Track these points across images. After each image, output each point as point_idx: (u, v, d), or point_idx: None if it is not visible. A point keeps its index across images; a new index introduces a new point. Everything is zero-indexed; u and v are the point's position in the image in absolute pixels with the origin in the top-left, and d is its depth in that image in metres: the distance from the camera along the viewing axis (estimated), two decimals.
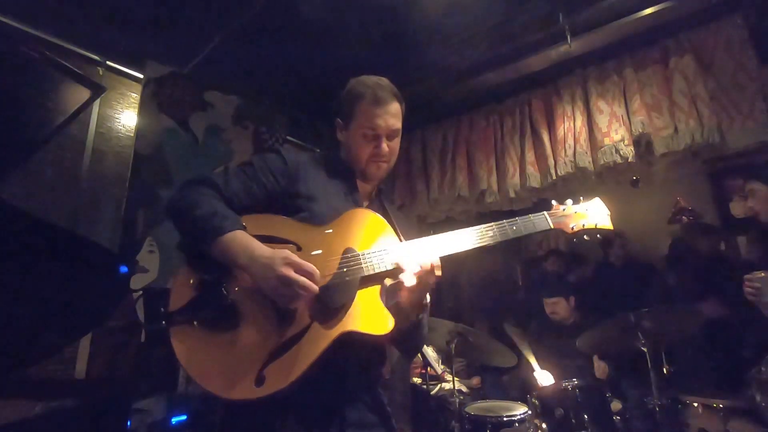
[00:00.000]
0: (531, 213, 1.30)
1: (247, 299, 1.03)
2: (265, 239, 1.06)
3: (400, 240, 1.17)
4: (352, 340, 1.03)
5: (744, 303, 1.89)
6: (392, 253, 1.11)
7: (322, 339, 1.01)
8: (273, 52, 3.10)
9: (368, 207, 1.29)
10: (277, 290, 0.98)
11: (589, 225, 1.31)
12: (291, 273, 0.97)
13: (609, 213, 1.36)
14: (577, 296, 3.16)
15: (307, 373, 0.98)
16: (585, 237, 1.33)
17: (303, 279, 0.97)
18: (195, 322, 1.01)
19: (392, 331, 1.05)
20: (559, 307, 3.08)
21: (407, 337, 1.19)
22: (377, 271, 1.09)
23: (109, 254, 1.63)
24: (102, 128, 2.82)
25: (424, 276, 1.07)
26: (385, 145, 1.25)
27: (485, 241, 1.18)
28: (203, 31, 2.87)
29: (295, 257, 1.00)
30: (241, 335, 1.00)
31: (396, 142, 1.30)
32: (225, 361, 0.98)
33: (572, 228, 1.31)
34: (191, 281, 1.05)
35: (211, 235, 1.02)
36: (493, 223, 1.20)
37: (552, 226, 1.28)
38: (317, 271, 1.01)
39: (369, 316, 1.06)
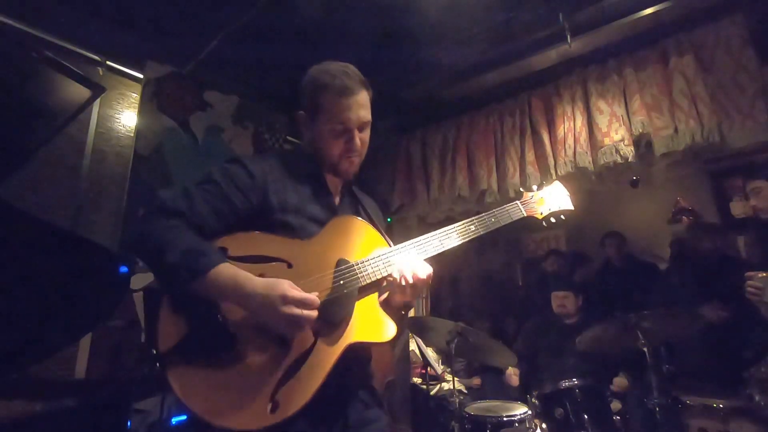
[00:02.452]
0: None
1: (246, 326, 0.98)
2: (254, 259, 1.02)
3: (388, 243, 1.17)
4: (356, 349, 1.04)
5: (744, 303, 1.89)
6: (388, 262, 1.11)
7: (329, 355, 1.01)
8: (273, 52, 3.10)
9: (340, 203, 1.26)
10: (278, 327, 0.96)
11: (554, 209, 1.42)
12: (293, 311, 0.93)
13: (569, 194, 1.46)
14: (584, 297, 3.15)
15: (320, 391, 0.97)
16: (552, 220, 1.42)
17: (306, 313, 0.94)
18: (193, 358, 0.93)
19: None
20: (568, 302, 3.06)
21: None
22: (373, 279, 1.09)
23: (109, 254, 1.62)
24: (102, 128, 2.82)
25: (419, 284, 1.08)
26: (357, 139, 1.17)
27: (469, 236, 1.22)
28: (203, 31, 2.87)
29: (293, 292, 0.94)
30: (246, 364, 0.96)
31: (367, 133, 1.21)
32: (233, 393, 0.93)
33: (541, 213, 1.41)
34: (180, 315, 0.97)
35: (189, 278, 0.93)
36: (474, 218, 1.26)
37: (525, 214, 1.37)
38: (317, 300, 0.98)
39: (371, 324, 1.07)
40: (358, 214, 1.24)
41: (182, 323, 0.96)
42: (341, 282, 1.06)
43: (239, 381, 0.94)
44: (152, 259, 0.97)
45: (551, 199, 1.42)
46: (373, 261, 1.10)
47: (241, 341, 0.97)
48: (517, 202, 1.37)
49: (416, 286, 1.08)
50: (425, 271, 1.09)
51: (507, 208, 1.33)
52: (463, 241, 1.21)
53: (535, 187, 1.44)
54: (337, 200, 1.26)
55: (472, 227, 1.23)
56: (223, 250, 1.01)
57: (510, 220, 1.32)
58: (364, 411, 1.13)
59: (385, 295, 1.15)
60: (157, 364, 0.94)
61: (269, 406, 0.93)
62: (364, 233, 1.16)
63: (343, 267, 1.08)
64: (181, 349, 0.94)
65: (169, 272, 0.95)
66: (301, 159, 1.25)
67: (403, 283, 1.08)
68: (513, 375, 3.03)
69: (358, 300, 1.08)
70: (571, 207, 1.45)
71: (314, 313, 0.96)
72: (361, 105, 1.16)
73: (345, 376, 1.09)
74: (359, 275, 1.08)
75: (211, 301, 0.97)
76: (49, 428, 1.62)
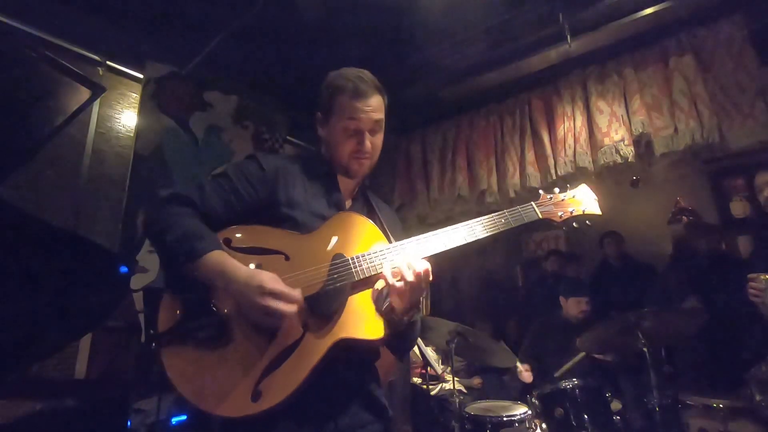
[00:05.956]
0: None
1: (237, 314, 1.00)
2: (253, 251, 1.05)
3: (389, 240, 1.15)
4: (346, 345, 1.02)
5: (744, 303, 1.89)
6: (383, 258, 1.08)
7: (316, 349, 0.99)
8: (273, 52, 3.10)
9: (352, 205, 1.26)
10: (255, 317, 0.97)
11: (577, 212, 1.28)
12: (269, 302, 0.93)
13: (596, 198, 1.33)
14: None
15: (304, 385, 0.96)
16: (574, 224, 1.30)
17: (281, 306, 0.94)
18: (186, 342, 0.98)
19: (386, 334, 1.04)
20: (588, 305, 3.02)
21: (399, 339, 1.16)
22: (368, 275, 1.07)
23: (109, 254, 1.62)
24: (102, 128, 2.82)
25: (416, 282, 1.03)
26: (367, 141, 1.18)
27: (476, 236, 1.16)
28: (203, 31, 2.87)
29: (272, 284, 0.95)
30: (234, 351, 0.98)
31: (379, 138, 1.22)
32: (219, 378, 0.96)
33: (560, 216, 1.28)
34: (178, 301, 1.02)
35: (184, 259, 0.98)
36: (483, 217, 1.18)
37: (540, 217, 1.25)
38: (299, 296, 0.98)
39: (362, 321, 1.04)
40: (370, 217, 1.22)
41: (180, 308, 1.01)
42: (335, 276, 1.05)
43: (226, 367, 0.97)
44: (156, 239, 1.05)
45: (574, 203, 1.30)
46: (369, 257, 1.08)
47: (232, 329, 0.99)
48: (532, 203, 1.27)
49: (413, 286, 1.03)
50: (422, 267, 1.03)
51: (520, 210, 1.23)
52: (470, 240, 1.15)
53: (557, 189, 1.33)
54: (348, 202, 1.26)
55: (479, 227, 1.16)
56: (227, 240, 1.05)
57: (523, 222, 1.23)
58: (362, 413, 1.10)
59: (387, 303, 1.09)
60: (153, 344, 1.00)
61: (251, 395, 0.94)
62: (365, 230, 1.15)
63: (338, 261, 1.07)
64: (176, 331, 0.99)
65: (168, 252, 1.02)
66: (316, 160, 1.28)
67: (397, 283, 1.03)
68: (525, 372, 2.94)
69: (352, 295, 1.06)
70: (598, 212, 1.31)
71: (293, 307, 0.96)
72: (374, 108, 1.18)
73: (345, 374, 1.07)
74: (353, 270, 1.06)
75: (206, 287, 1.01)
76: (49, 428, 1.62)
